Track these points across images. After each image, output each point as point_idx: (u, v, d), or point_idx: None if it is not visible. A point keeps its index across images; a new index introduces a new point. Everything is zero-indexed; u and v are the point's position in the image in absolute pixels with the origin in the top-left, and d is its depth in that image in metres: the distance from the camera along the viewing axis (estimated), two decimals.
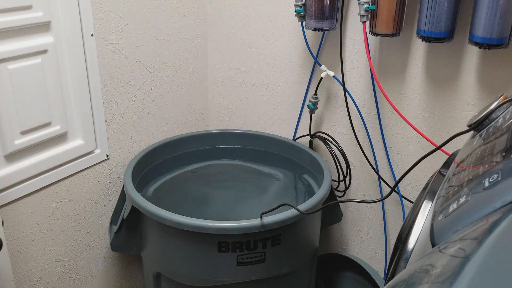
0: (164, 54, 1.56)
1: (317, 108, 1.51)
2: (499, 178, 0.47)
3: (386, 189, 1.49)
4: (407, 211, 1.46)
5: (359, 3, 1.27)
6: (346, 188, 1.55)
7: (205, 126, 1.81)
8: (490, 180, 0.48)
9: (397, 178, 1.44)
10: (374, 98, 1.42)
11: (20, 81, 1.16)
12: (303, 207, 1.18)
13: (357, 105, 1.44)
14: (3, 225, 1.17)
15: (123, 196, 1.44)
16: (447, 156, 0.81)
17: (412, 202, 1.42)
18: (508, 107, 0.67)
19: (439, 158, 0.88)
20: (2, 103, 1.13)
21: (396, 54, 1.35)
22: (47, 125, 1.24)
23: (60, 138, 1.30)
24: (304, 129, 1.60)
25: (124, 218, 1.32)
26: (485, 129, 0.66)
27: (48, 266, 1.37)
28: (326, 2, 1.33)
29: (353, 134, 1.46)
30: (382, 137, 1.44)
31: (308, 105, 1.51)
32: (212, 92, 1.77)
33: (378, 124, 1.43)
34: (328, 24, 1.36)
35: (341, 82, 1.43)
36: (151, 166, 1.53)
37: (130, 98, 1.47)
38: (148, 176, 1.49)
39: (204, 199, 1.41)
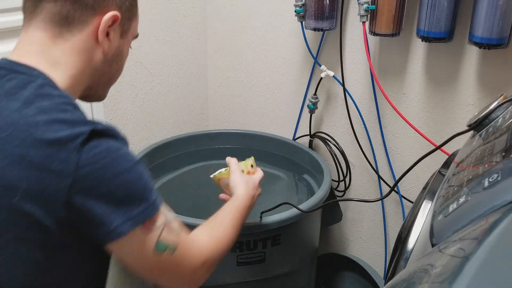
0: (164, 54, 1.56)
1: (317, 108, 1.51)
2: (499, 178, 0.47)
3: (386, 189, 1.49)
4: (407, 211, 1.46)
5: (359, 3, 1.27)
6: (346, 188, 1.55)
7: (205, 126, 1.81)
8: (490, 180, 0.48)
9: (397, 178, 1.44)
10: (374, 98, 1.42)
11: None
12: (303, 206, 1.18)
13: (357, 105, 1.44)
14: None
15: None
16: (447, 156, 0.81)
17: (412, 202, 1.42)
18: (508, 107, 0.67)
19: (439, 158, 0.88)
20: None
21: (396, 54, 1.35)
22: None
23: None
24: (304, 129, 1.60)
25: None
26: (485, 129, 0.66)
27: None
28: (326, 2, 1.33)
29: (353, 134, 1.46)
30: (382, 137, 1.44)
31: (308, 105, 1.51)
32: (212, 92, 1.77)
33: (378, 124, 1.43)
34: (328, 24, 1.36)
35: (341, 82, 1.43)
36: (151, 166, 1.53)
37: (130, 98, 1.47)
38: None
39: (204, 199, 1.41)
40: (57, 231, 0.66)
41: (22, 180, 0.63)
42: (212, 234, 0.84)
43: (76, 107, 0.70)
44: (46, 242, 0.66)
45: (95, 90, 0.81)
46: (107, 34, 0.76)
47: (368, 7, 1.25)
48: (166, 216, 0.73)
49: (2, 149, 0.64)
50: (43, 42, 0.72)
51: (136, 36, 0.87)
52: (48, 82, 0.69)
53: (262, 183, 1.09)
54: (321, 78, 1.45)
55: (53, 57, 0.72)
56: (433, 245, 0.50)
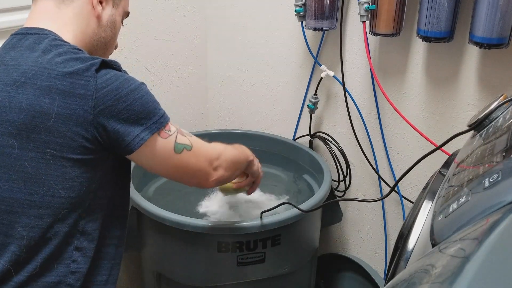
0: (164, 54, 1.56)
1: (317, 108, 1.51)
2: (499, 178, 0.47)
3: (386, 189, 1.49)
4: (407, 211, 1.46)
5: (359, 3, 1.27)
6: (346, 188, 1.55)
7: (205, 126, 1.81)
8: (490, 180, 0.48)
9: (397, 178, 1.44)
10: (374, 98, 1.42)
11: None
12: (303, 207, 1.18)
13: (357, 105, 1.44)
14: None
15: None
16: (447, 156, 0.81)
17: (412, 202, 1.42)
18: (508, 107, 0.67)
19: (439, 158, 0.88)
20: None
21: (396, 54, 1.35)
22: None
23: None
24: (304, 129, 1.60)
25: None
26: (485, 129, 0.66)
27: None
28: (326, 2, 1.33)
29: (353, 134, 1.46)
30: (382, 137, 1.44)
31: (308, 105, 1.51)
32: (212, 92, 1.77)
33: (378, 124, 1.43)
34: (328, 24, 1.36)
35: (341, 82, 1.43)
36: None
37: None
38: (148, 176, 1.49)
39: (204, 199, 1.40)
40: (90, 148, 0.80)
41: (53, 106, 0.77)
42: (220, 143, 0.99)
43: (84, 52, 0.83)
44: (82, 159, 0.80)
45: (94, 55, 0.92)
46: (101, 3, 0.89)
47: (368, 7, 1.25)
48: (175, 125, 0.88)
49: (33, 84, 0.78)
50: (49, 9, 0.86)
51: (127, 14, 0.98)
52: (58, 38, 0.83)
53: (263, 183, 1.10)
54: (321, 78, 1.45)
55: (59, 20, 0.85)
56: (433, 245, 0.50)
